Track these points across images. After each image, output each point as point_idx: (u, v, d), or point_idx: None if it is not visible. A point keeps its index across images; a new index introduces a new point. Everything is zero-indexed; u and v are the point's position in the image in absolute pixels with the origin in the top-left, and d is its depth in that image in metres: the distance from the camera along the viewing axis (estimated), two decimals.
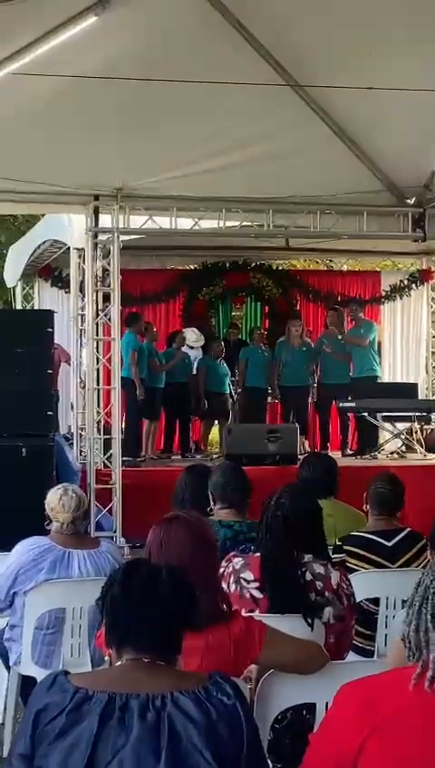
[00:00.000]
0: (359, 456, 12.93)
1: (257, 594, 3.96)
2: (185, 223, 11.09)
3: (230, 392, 14.15)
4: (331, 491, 5.94)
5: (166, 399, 13.51)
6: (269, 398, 14.48)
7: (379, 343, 14.85)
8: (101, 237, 10.77)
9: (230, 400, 14.20)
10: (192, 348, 14.48)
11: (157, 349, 13.54)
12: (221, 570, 3.91)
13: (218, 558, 3.71)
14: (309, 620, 3.81)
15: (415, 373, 15.81)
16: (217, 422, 14.39)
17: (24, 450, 9.53)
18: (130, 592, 2.57)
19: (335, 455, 10.74)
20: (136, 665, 2.54)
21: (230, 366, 14.24)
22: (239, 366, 14.17)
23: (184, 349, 14.08)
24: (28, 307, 15.09)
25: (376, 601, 5.05)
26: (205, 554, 3.32)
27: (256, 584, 3.97)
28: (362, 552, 5.21)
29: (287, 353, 13.97)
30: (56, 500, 5.12)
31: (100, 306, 10.91)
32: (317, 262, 18.02)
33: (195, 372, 14.07)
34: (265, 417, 14.49)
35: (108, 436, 10.97)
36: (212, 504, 5.44)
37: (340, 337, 14.02)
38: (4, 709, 5.24)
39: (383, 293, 16.16)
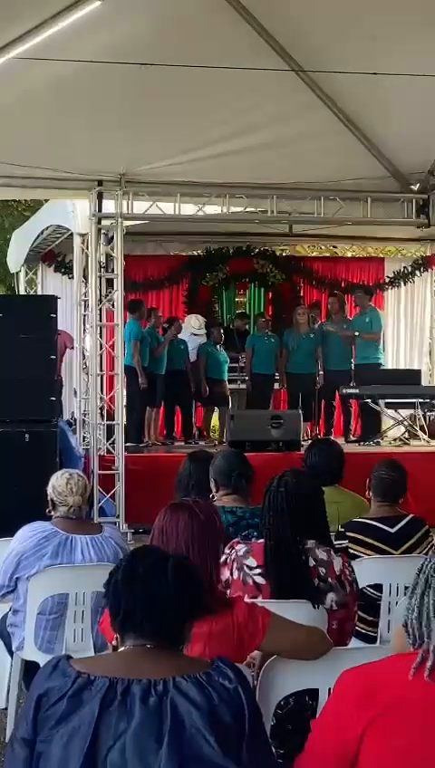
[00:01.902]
0: (362, 443, 12.93)
1: (260, 581, 3.96)
2: (189, 209, 11.08)
3: (227, 379, 14.15)
4: (336, 478, 5.95)
5: (166, 386, 13.52)
6: (277, 385, 14.48)
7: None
8: (105, 223, 10.78)
9: (229, 387, 14.19)
10: (196, 335, 14.47)
11: (159, 334, 13.53)
12: (224, 557, 3.91)
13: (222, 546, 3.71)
14: (315, 605, 3.82)
15: (418, 360, 15.82)
16: (216, 409, 14.38)
17: (27, 436, 9.55)
18: (134, 579, 2.58)
19: (338, 441, 10.74)
20: (138, 650, 2.54)
21: (231, 354, 14.24)
22: (246, 353, 14.16)
23: (187, 336, 14.07)
24: (32, 292, 15.08)
25: (379, 588, 5.05)
26: (206, 543, 3.31)
27: (260, 570, 3.97)
28: (364, 539, 5.21)
29: (294, 341, 13.97)
30: (64, 484, 5.11)
31: (103, 292, 10.92)
32: (321, 248, 18.01)
33: (195, 358, 14.06)
34: (270, 403, 14.48)
35: (111, 422, 10.99)
36: (214, 490, 5.43)
37: (345, 326, 14.00)
38: (7, 694, 5.25)
39: (387, 280, 16.17)
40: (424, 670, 2.37)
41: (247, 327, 15.21)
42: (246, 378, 14.21)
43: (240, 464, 5.54)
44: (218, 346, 14.14)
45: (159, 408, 13.70)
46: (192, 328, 14.41)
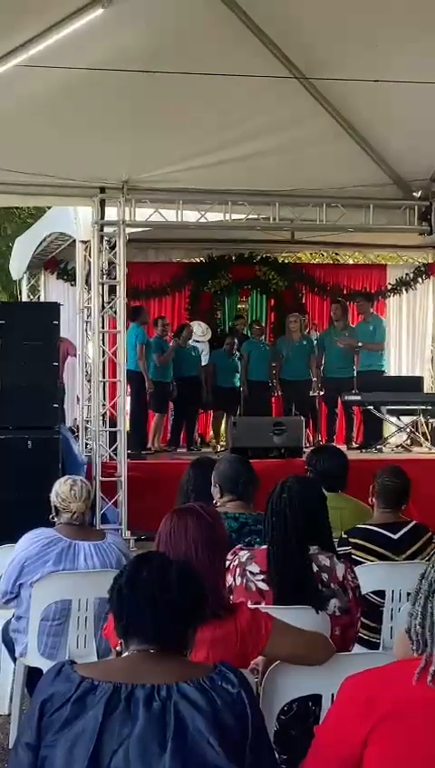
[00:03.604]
0: (364, 450, 12.93)
1: (263, 587, 3.96)
2: (191, 216, 11.09)
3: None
4: (341, 484, 5.96)
5: (176, 393, 13.53)
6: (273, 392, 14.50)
7: None
8: (107, 230, 10.79)
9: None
10: (198, 342, 14.49)
11: (167, 342, 13.55)
12: (227, 563, 3.91)
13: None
14: (317, 610, 3.83)
15: (420, 367, 15.83)
16: (226, 415, 14.38)
17: (29, 443, 9.55)
18: (137, 584, 2.58)
19: (340, 448, 10.73)
20: (142, 656, 2.55)
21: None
22: (242, 360, 14.20)
23: (190, 342, 14.10)
24: (34, 299, 15.11)
25: (381, 594, 5.06)
26: (213, 548, 3.32)
27: (262, 576, 3.97)
28: (367, 545, 5.21)
29: (287, 348, 13.99)
30: (67, 490, 5.13)
31: (105, 299, 10.93)
32: (323, 255, 18.01)
33: (204, 364, 14.08)
34: (269, 410, 14.49)
35: (113, 429, 10.99)
36: (218, 496, 5.43)
37: (347, 333, 14.01)
38: (11, 700, 5.26)
39: (389, 287, 16.17)
40: (427, 675, 2.37)
41: (244, 330, 15.23)
42: (241, 384, 14.25)
43: (246, 470, 5.54)
44: (231, 355, 14.16)
45: (163, 415, 13.71)
46: (195, 334, 14.42)
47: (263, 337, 14.71)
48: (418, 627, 2.44)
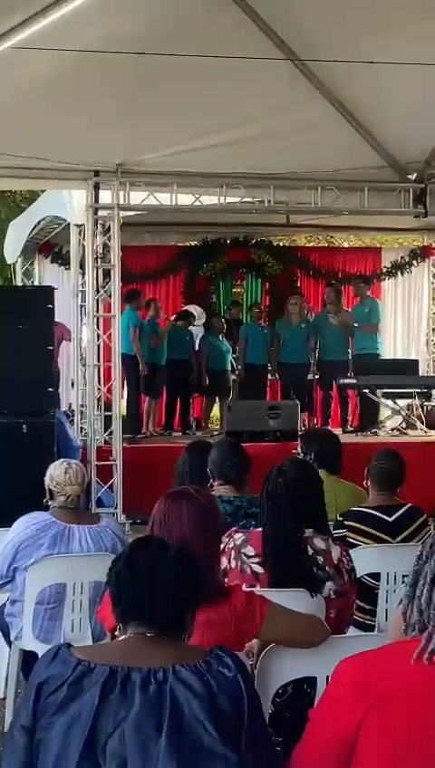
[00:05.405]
0: (359, 433, 12.94)
1: (259, 569, 3.97)
2: (185, 199, 11.05)
3: (233, 369, 14.17)
4: (332, 467, 5.96)
5: (167, 376, 13.52)
6: (270, 375, 14.49)
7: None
8: (102, 213, 10.75)
9: (232, 377, 14.21)
10: (194, 325, 14.47)
11: (160, 325, 13.53)
12: (222, 545, 3.92)
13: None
14: (313, 594, 3.83)
15: (416, 350, 15.83)
16: (218, 399, 14.40)
17: (24, 427, 9.54)
18: (136, 567, 2.59)
19: (336, 431, 10.74)
20: (139, 639, 2.55)
21: (231, 343, 14.25)
22: (240, 344, 14.17)
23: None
24: (28, 283, 15.07)
25: (377, 576, 5.07)
26: (207, 531, 3.32)
27: (258, 559, 3.98)
28: (362, 528, 5.22)
29: (286, 331, 13.96)
30: (62, 473, 5.12)
31: (100, 283, 10.90)
32: (318, 238, 18.01)
33: (197, 349, 14.07)
34: (265, 393, 14.49)
35: (109, 413, 10.99)
36: (211, 480, 5.45)
37: (340, 319, 14.00)
38: (6, 684, 5.26)
39: (384, 270, 16.19)
40: (425, 654, 2.35)
41: (241, 316, 15.21)
42: (239, 368, 14.23)
43: (233, 454, 5.55)
44: (221, 336, 14.15)
45: (158, 399, 13.71)
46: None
47: (262, 320, 14.67)
48: (424, 604, 2.41)
